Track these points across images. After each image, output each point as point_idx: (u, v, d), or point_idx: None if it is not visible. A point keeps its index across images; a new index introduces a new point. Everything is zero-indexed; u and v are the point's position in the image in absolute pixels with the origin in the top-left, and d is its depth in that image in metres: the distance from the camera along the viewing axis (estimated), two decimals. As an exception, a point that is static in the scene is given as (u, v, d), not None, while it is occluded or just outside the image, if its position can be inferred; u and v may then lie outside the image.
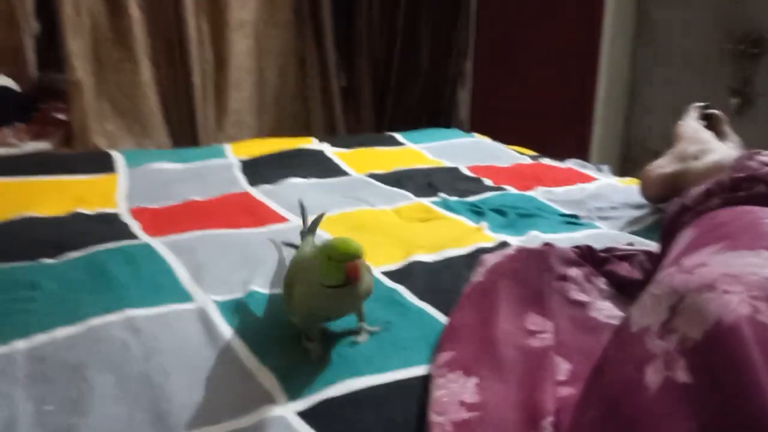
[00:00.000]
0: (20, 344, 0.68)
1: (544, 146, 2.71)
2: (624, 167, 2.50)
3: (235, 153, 1.48)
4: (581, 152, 2.58)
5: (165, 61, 2.79)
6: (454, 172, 1.39)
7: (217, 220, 1.07)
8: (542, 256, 0.77)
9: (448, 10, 3.23)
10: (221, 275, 0.85)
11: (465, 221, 1.08)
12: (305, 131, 3.17)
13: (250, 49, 2.95)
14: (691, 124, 1.16)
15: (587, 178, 1.34)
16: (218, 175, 1.32)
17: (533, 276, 0.74)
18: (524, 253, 0.80)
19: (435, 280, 0.87)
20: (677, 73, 2.31)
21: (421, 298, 0.82)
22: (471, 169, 1.41)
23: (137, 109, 2.76)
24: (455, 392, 0.59)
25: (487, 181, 1.32)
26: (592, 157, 2.57)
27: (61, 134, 1.99)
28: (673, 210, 0.66)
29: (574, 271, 0.75)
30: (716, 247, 0.46)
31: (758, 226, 0.47)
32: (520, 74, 2.81)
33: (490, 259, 0.82)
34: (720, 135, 1.17)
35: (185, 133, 2.88)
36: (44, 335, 0.69)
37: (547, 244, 0.84)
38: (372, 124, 3.30)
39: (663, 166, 1.10)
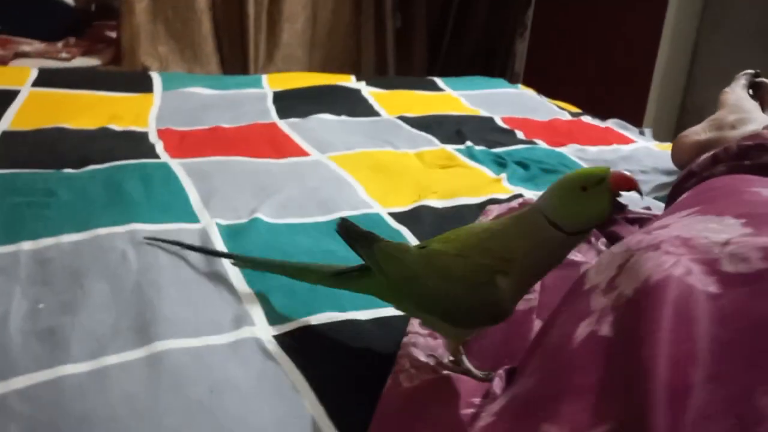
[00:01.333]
0: (27, 245, 0.71)
1: (599, 106, 2.63)
2: (678, 133, 2.42)
3: (271, 84, 1.48)
4: (636, 115, 2.50)
5: (221, -13, 2.79)
6: (488, 122, 1.36)
7: (239, 147, 1.08)
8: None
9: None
10: (231, 201, 0.87)
11: (486, 171, 1.07)
12: (355, 71, 3.15)
13: (306, -18, 2.91)
14: (736, 92, 1.10)
15: (624, 140, 1.29)
16: (250, 105, 1.33)
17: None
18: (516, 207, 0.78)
19: (440, 225, 0.87)
20: (742, 42, 2.18)
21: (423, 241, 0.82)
22: (506, 120, 1.38)
23: (190, 34, 2.78)
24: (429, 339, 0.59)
25: (519, 134, 1.29)
26: (647, 121, 2.49)
27: (110, 52, 2.03)
28: (681, 175, 0.63)
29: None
30: (689, 210, 0.44)
31: (741, 194, 0.45)
32: (579, 31, 2.71)
33: (494, 210, 0.81)
34: (766, 105, 1.11)
35: (236, 62, 2.89)
36: (50, 239, 0.72)
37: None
38: (424, 68, 3.25)
39: (698, 132, 1.05)
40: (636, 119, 2.48)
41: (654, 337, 0.30)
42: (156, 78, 1.43)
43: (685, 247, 0.36)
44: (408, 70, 3.26)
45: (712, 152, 0.62)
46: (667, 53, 2.36)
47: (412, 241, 0.82)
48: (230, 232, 0.78)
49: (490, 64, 3.25)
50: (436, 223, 0.87)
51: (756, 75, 1.15)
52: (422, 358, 0.57)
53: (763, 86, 1.13)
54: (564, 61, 2.81)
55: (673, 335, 0.30)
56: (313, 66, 3.06)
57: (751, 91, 1.13)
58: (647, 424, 0.27)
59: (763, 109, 1.11)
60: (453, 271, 0.52)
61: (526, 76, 3.01)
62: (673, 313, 0.31)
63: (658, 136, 1.47)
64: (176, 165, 0.97)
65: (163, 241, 0.73)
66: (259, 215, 0.83)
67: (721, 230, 0.37)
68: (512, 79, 3.20)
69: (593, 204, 0.48)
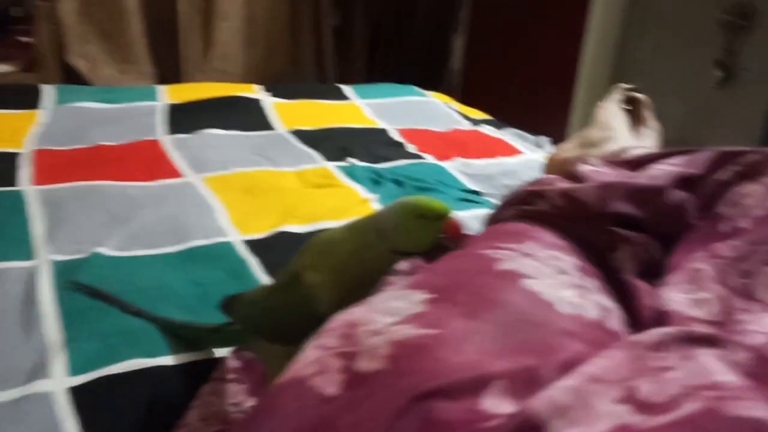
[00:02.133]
0: None
1: (532, 100, 2.65)
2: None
3: (169, 97, 1.46)
4: (565, 110, 2.52)
5: (151, -14, 2.74)
6: (382, 134, 1.36)
7: (111, 169, 1.07)
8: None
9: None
10: (78, 233, 0.86)
11: (359, 191, 1.07)
12: (294, 67, 3.12)
13: (240, -20, 2.87)
14: (609, 107, 1.11)
15: (512, 152, 1.30)
16: (140, 119, 1.31)
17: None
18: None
19: (293, 254, 0.86)
20: (667, 40, 2.21)
21: (269, 272, 0.82)
22: (402, 131, 1.38)
23: (121, 34, 2.73)
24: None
25: (411, 147, 1.29)
26: (576, 117, 2.51)
27: (26, 58, 1.98)
28: (497, 206, 0.63)
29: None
30: (418, 276, 0.44)
31: (475, 257, 0.45)
32: (511, 27, 2.72)
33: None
34: (641, 121, 1.12)
35: (169, 61, 2.85)
36: None
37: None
38: (364, 64, 3.24)
39: (567, 150, 1.06)
40: (565, 114, 2.51)
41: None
42: (48, 92, 1.40)
43: (344, 337, 0.36)
44: (348, 66, 3.24)
45: (505, 196, 0.62)
46: (592, 49, 2.38)
47: (258, 271, 0.82)
48: (65, 270, 0.77)
49: (429, 60, 3.25)
50: (293, 251, 0.87)
51: (632, 89, 1.16)
52: (217, 408, 0.57)
53: (638, 101, 1.14)
54: (498, 57, 2.82)
55: None
56: (251, 64, 3.03)
57: (628, 106, 1.15)
58: None
59: (639, 124, 1.12)
60: (276, 281, 0.57)
61: (465, 71, 3.02)
62: (278, 424, 0.31)
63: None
64: (33, 193, 0.95)
65: (89, 291, 0.71)
66: (102, 249, 0.82)
67: (396, 310, 0.37)
68: (451, 76, 3.20)
69: (422, 234, 0.52)
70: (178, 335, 0.67)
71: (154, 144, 1.20)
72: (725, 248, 0.51)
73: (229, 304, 0.62)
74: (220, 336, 0.65)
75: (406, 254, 0.51)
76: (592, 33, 2.37)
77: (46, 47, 2.02)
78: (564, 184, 0.60)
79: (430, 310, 0.37)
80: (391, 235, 0.52)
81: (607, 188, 0.56)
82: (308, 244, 0.57)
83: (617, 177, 0.65)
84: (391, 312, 0.37)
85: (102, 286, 0.74)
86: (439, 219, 0.52)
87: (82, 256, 0.80)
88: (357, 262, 0.52)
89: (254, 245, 0.88)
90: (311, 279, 0.53)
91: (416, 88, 1.74)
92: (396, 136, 1.35)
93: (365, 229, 0.54)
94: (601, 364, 0.33)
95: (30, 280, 0.74)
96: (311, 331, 0.51)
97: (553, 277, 0.47)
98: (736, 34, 1.96)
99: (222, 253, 0.85)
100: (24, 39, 2.06)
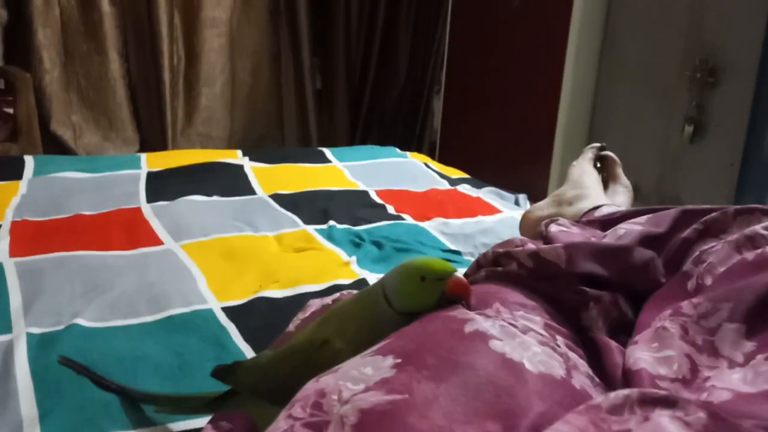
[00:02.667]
0: None
1: (511, 157, 2.70)
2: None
3: (150, 164, 1.48)
4: (545, 167, 2.57)
5: (135, 55, 2.80)
6: (361, 196, 1.38)
7: (90, 239, 1.07)
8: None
9: (427, 18, 3.21)
10: (55, 304, 0.85)
11: (340, 253, 1.08)
12: (278, 129, 3.18)
13: (222, 47, 2.95)
14: (582, 166, 1.14)
15: (491, 210, 1.32)
16: (120, 188, 1.32)
17: None
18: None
19: (275, 319, 0.87)
20: (638, 98, 2.28)
21: (248, 339, 0.82)
22: (381, 193, 1.40)
23: (104, 102, 2.78)
24: None
25: (390, 208, 1.31)
26: (554, 169, 2.56)
27: (8, 129, 2.00)
28: (471, 265, 0.64)
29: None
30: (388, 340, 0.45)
31: (443, 320, 0.46)
32: (489, 87, 2.79)
33: (314, 304, 0.81)
34: (612, 178, 1.15)
35: (153, 127, 2.89)
36: None
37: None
38: (346, 125, 3.30)
39: (542, 208, 1.08)
40: (545, 166, 2.56)
41: None
42: (29, 162, 1.42)
43: (313, 407, 0.36)
44: (330, 127, 3.30)
45: (476, 258, 0.64)
46: (567, 107, 2.44)
47: (237, 338, 0.82)
48: (41, 342, 0.77)
49: (409, 120, 3.31)
50: (271, 316, 0.87)
51: (602, 148, 1.19)
52: None
53: (608, 159, 1.17)
54: (476, 114, 2.88)
55: None
56: (235, 127, 3.08)
57: (599, 164, 1.18)
58: None
59: (610, 182, 1.15)
60: (293, 347, 0.58)
61: (443, 131, 3.08)
62: None
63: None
64: (10, 265, 0.95)
65: (79, 368, 0.69)
66: (79, 320, 0.82)
67: (365, 377, 0.38)
68: (431, 134, 3.27)
69: (426, 295, 0.53)
70: (177, 407, 0.66)
71: (134, 212, 1.21)
72: (690, 306, 0.52)
73: (226, 372, 0.62)
74: (225, 403, 0.63)
75: (415, 314, 0.53)
76: (566, 91, 2.44)
77: (28, 117, 2.04)
78: (532, 245, 0.61)
79: (398, 375, 0.38)
80: (397, 299, 0.54)
81: (574, 248, 0.57)
82: (330, 313, 0.59)
83: (584, 237, 0.67)
84: (360, 379, 0.38)
85: (79, 358, 0.73)
86: (440, 280, 0.53)
87: (59, 327, 0.80)
88: (370, 329, 0.54)
89: (233, 312, 0.88)
90: (339, 346, 0.54)
91: (397, 150, 1.77)
92: (375, 198, 1.37)
93: (375, 296, 0.56)
94: (563, 430, 0.33)
95: (7, 354, 0.74)
96: None
97: (521, 337, 0.48)
98: (704, 90, 2.03)
99: (201, 320, 0.85)
100: (7, 110, 2.08)
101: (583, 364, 0.49)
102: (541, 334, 0.50)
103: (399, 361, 0.40)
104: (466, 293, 0.53)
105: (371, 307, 0.56)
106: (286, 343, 0.60)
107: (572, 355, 0.49)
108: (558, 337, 0.51)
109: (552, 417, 0.37)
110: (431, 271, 0.53)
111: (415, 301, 0.54)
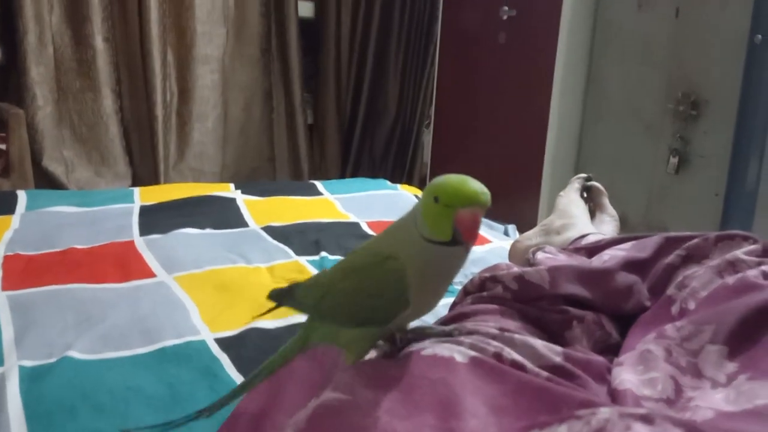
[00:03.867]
0: None
1: (499, 189, 2.72)
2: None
3: (143, 198, 1.49)
4: (535, 198, 2.59)
5: (128, 91, 2.83)
6: (353, 228, 1.39)
7: (83, 272, 1.08)
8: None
9: (416, 54, 3.27)
10: (47, 337, 0.86)
11: (331, 284, 1.08)
12: (270, 164, 3.20)
13: (215, 83, 2.98)
14: (569, 196, 1.16)
15: (481, 240, 1.34)
16: (113, 221, 1.33)
17: (332, 357, 0.73)
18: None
19: (267, 349, 0.87)
20: (623, 131, 2.32)
21: (241, 370, 0.82)
22: (371, 225, 1.41)
23: (97, 138, 2.80)
24: None
25: (381, 239, 1.32)
26: (543, 200, 2.58)
27: (0, 164, 2.01)
28: (458, 294, 0.66)
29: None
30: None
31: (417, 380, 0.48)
32: (478, 121, 2.83)
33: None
34: (599, 208, 1.17)
35: (146, 162, 2.91)
36: None
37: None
38: (337, 160, 3.33)
39: (530, 237, 1.10)
40: (533, 198, 2.58)
41: None
42: (21, 197, 1.43)
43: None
44: (322, 161, 3.33)
45: (464, 285, 0.65)
46: (554, 140, 2.48)
47: (230, 369, 0.82)
48: (33, 375, 0.77)
49: (400, 154, 3.35)
50: (264, 347, 0.88)
51: (588, 178, 1.22)
52: None
53: (594, 189, 1.20)
54: (465, 149, 2.92)
55: None
56: (227, 163, 3.10)
57: (586, 194, 1.20)
58: None
59: (596, 211, 1.17)
60: (354, 263, 0.54)
61: (433, 164, 3.11)
62: None
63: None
64: (2, 298, 0.95)
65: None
66: (72, 352, 0.82)
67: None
68: (421, 168, 3.30)
69: (438, 221, 0.46)
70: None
71: (127, 245, 1.22)
72: (674, 329, 0.53)
73: (284, 294, 0.60)
74: (294, 345, 0.61)
75: (437, 243, 0.46)
76: (553, 125, 2.48)
77: (21, 153, 2.05)
78: (517, 269, 0.63)
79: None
80: (419, 221, 0.48)
81: (558, 271, 0.59)
82: (383, 233, 0.55)
83: (568, 261, 0.68)
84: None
85: (71, 390, 0.73)
86: (449, 206, 0.45)
87: (51, 360, 0.80)
88: (417, 263, 0.48)
89: (225, 343, 0.88)
90: (401, 263, 0.49)
91: (388, 182, 1.79)
92: (367, 230, 1.38)
93: (407, 223, 0.50)
94: None
95: (0, 388, 0.74)
96: (392, 311, 0.50)
97: (456, 340, 0.49)
98: (686, 122, 2.07)
99: (193, 352, 0.85)
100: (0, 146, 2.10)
101: (527, 343, 0.49)
102: (488, 333, 0.51)
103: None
104: (467, 235, 0.45)
105: (404, 236, 0.49)
106: (341, 261, 0.57)
107: (512, 335, 0.50)
108: (505, 330, 0.52)
109: (486, 400, 0.39)
110: (444, 192, 0.45)
111: (429, 225, 0.46)
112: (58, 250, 1.18)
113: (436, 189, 0.46)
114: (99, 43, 2.70)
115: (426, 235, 0.47)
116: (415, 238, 0.48)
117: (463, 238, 0.46)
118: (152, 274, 1.09)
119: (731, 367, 0.48)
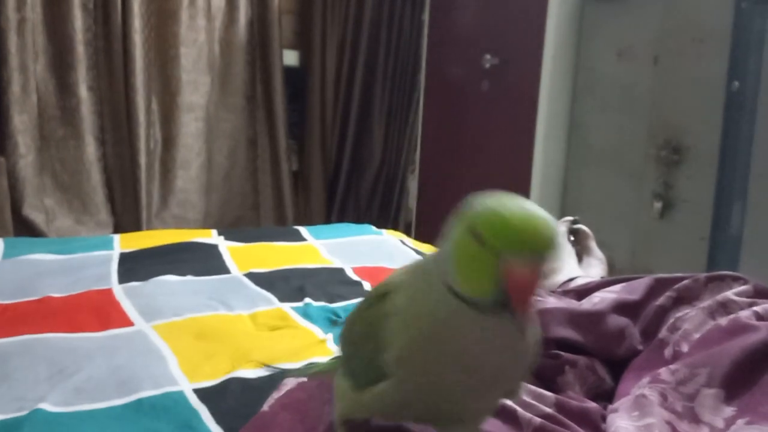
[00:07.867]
0: None
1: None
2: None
3: (123, 245, 1.46)
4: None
5: (112, 139, 2.82)
6: (337, 273, 1.37)
7: (59, 321, 1.04)
8: (329, 385, 0.74)
9: (401, 101, 3.30)
10: (20, 389, 0.82)
11: (315, 331, 1.06)
12: (254, 211, 3.18)
13: (199, 131, 2.99)
14: (555, 240, 1.15)
15: (467, 286, 1.32)
16: (92, 269, 1.30)
17: (315, 408, 0.71)
18: (315, 380, 0.77)
19: (247, 400, 0.84)
20: (607, 176, 2.34)
21: (219, 422, 0.79)
22: (357, 270, 1.39)
23: (79, 186, 2.77)
24: None
25: (366, 285, 1.30)
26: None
27: (-21, 212, 1.98)
28: None
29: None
30: None
31: None
32: (462, 167, 2.85)
33: (290, 383, 0.79)
34: (586, 251, 1.16)
35: (128, 210, 2.88)
36: None
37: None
38: (322, 206, 3.32)
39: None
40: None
41: None
42: (-1, 245, 1.40)
43: None
44: (306, 208, 3.32)
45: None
46: (538, 187, 2.49)
47: (209, 421, 0.79)
48: (3, 429, 0.73)
49: (385, 200, 3.35)
50: (244, 398, 0.85)
51: (575, 222, 1.21)
52: None
53: (581, 232, 1.19)
54: (451, 195, 2.92)
55: None
56: (211, 210, 3.08)
57: (572, 237, 1.19)
58: None
59: (584, 255, 1.16)
60: (357, 314, 0.52)
61: (418, 210, 3.11)
62: None
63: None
64: (-26, 349, 0.92)
65: None
66: (44, 405, 0.78)
67: None
68: (407, 214, 3.30)
69: (476, 267, 0.32)
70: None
71: (106, 293, 1.19)
72: (668, 373, 0.52)
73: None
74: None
75: (468, 302, 0.32)
76: (537, 171, 2.50)
77: (0, 201, 2.03)
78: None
79: None
80: (446, 265, 0.34)
81: (549, 314, 0.57)
82: (400, 270, 0.46)
83: (558, 305, 0.67)
84: None
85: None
86: (496, 250, 0.31)
87: (22, 413, 0.77)
88: (416, 314, 0.36)
89: (204, 393, 0.85)
90: (397, 304, 0.39)
91: (373, 228, 1.78)
92: (351, 275, 1.36)
93: (427, 264, 0.37)
94: None
95: (-37, 443, 0.70)
96: (367, 373, 0.43)
97: None
98: (669, 167, 2.09)
99: (171, 403, 0.82)
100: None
101: None
102: None
103: None
104: (521, 299, 0.31)
105: (415, 282, 0.37)
106: None
107: None
108: None
109: None
110: (492, 228, 0.31)
111: (463, 276, 0.31)
112: (34, 298, 1.14)
113: (479, 220, 0.32)
114: (83, 91, 2.70)
115: (452, 285, 0.34)
116: (433, 285, 0.35)
117: (512, 303, 0.31)
118: (130, 323, 1.06)
119: (729, 411, 0.46)
